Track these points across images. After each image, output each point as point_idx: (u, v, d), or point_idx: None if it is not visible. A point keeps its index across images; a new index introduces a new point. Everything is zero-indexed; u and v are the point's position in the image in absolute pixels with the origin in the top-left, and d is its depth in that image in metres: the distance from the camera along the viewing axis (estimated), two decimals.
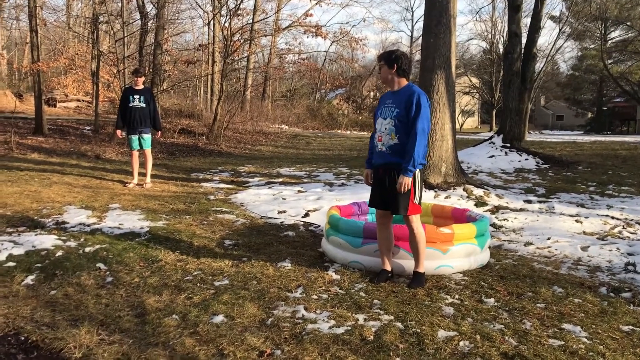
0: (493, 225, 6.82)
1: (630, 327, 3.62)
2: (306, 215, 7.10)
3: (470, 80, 46.12)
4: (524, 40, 15.40)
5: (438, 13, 8.49)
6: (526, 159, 13.18)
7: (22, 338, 3.20)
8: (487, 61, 45.75)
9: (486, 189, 8.66)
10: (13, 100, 21.16)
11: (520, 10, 15.15)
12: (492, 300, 4.06)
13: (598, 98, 49.47)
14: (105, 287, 4.10)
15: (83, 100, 25.85)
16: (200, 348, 3.11)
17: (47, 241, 5.12)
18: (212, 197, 8.20)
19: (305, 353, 3.07)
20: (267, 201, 7.94)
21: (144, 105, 8.77)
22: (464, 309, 3.85)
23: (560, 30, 33.53)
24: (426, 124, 4.22)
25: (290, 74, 39.32)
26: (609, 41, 42.06)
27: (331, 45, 34.24)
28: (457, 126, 35.77)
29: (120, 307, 3.71)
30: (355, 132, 29.60)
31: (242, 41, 19.78)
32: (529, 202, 8.24)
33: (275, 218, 6.95)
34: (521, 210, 7.67)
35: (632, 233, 6.59)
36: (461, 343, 3.27)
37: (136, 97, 8.74)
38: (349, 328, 3.43)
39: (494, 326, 3.55)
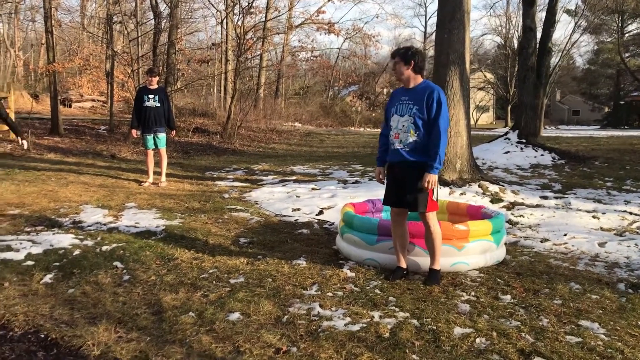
0: (509, 221, 6.78)
1: None
2: (320, 212, 7.10)
3: (485, 76, 45.76)
4: (538, 34, 15.28)
5: (452, 8, 8.44)
6: (542, 155, 13.06)
7: (42, 335, 3.24)
8: (502, 56, 45.37)
9: (502, 185, 8.60)
10: (29, 101, 21.42)
11: (535, 4, 15.02)
12: (508, 297, 4.04)
13: (615, 92, 48.83)
14: (123, 286, 4.14)
15: (98, 100, 26.09)
16: (217, 345, 3.13)
17: (64, 240, 5.17)
18: (226, 196, 8.24)
19: (321, 350, 3.08)
20: (281, 199, 7.95)
21: (158, 104, 8.82)
22: (480, 305, 3.83)
23: (576, 23, 33.17)
24: (447, 121, 4.25)
25: (303, 72, 39.33)
26: (626, 34, 41.51)
27: (344, 42, 34.22)
28: (472, 122, 35.58)
29: (138, 305, 3.74)
30: (368, 129, 29.56)
31: (255, 39, 19.83)
32: (545, 198, 8.17)
33: (289, 216, 6.97)
34: (537, 206, 7.61)
35: None
36: (477, 340, 3.26)
37: (150, 96, 8.80)
38: (365, 325, 3.43)
39: (511, 323, 3.53)
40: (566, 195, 8.42)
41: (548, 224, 6.70)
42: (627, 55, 39.92)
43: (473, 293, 4.10)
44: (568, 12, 36.67)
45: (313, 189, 8.71)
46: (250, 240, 5.57)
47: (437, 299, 3.97)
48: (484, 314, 3.69)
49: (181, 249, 5.10)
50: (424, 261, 4.53)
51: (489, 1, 78.68)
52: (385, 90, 39.86)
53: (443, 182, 8.07)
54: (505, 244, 5.32)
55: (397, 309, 3.73)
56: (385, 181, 4.59)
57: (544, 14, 17.52)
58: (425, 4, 69.45)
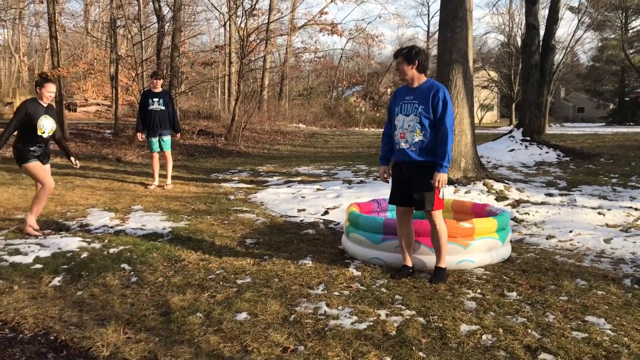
0: (514, 219, 6.78)
1: None
2: (326, 213, 7.12)
3: (489, 74, 45.65)
4: (542, 32, 15.24)
5: (454, 7, 8.45)
6: (547, 152, 13.05)
7: (52, 337, 3.28)
8: (505, 54, 45.24)
9: (506, 183, 8.60)
10: None
11: (538, 1, 15.00)
12: (514, 294, 4.05)
13: (620, 89, 48.61)
14: (130, 287, 4.17)
15: (102, 104, 26.21)
16: (225, 345, 3.16)
17: (72, 243, 5.21)
18: (232, 197, 8.27)
19: (328, 348, 3.10)
20: (286, 200, 7.98)
21: (163, 107, 8.86)
22: (486, 303, 3.85)
23: (579, 20, 33.00)
24: (453, 119, 4.28)
25: (307, 73, 39.38)
26: (630, 30, 41.33)
27: (347, 42, 34.18)
28: (476, 120, 35.46)
29: (146, 306, 3.77)
30: (373, 129, 29.57)
31: (258, 41, 19.87)
32: (550, 195, 8.17)
33: (295, 216, 6.99)
34: (542, 203, 7.61)
35: None
36: (484, 337, 3.27)
37: (155, 99, 8.84)
38: (371, 323, 3.45)
39: (517, 319, 3.55)
40: (571, 192, 8.42)
41: (553, 221, 6.70)
42: (631, 51, 39.75)
43: (479, 290, 4.11)
44: (571, 9, 36.54)
45: (318, 189, 8.73)
46: (257, 241, 5.60)
47: (443, 296, 3.98)
48: (490, 311, 3.70)
49: (188, 251, 5.13)
50: (429, 259, 4.55)
51: None
52: (389, 90, 39.85)
53: (448, 181, 8.03)
54: (511, 241, 5.33)
55: (403, 307, 3.75)
56: (389, 180, 4.61)
57: (547, 11, 17.51)
58: (427, 3, 69.25)
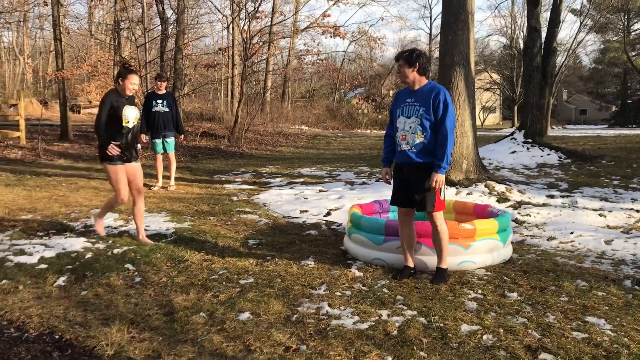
0: (515, 220, 6.81)
1: None
2: (328, 214, 7.16)
3: (491, 76, 45.68)
4: (544, 34, 15.27)
5: (456, 10, 8.48)
6: (548, 154, 13.06)
7: (57, 337, 3.32)
8: (508, 57, 45.31)
9: (508, 185, 8.63)
10: (39, 107, 21.61)
11: (540, 4, 15.03)
12: (515, 294, 4.08)
13: (622, 91, 48.62)
14: (134, 287, 4.21)
15: None
16: (228, 344, 3.19)
17: (76, 244, 5.25)
18: (235, 198, 8.31)
19: (330, 348, 3.13)
20: (289, 201, 8.02)
21: (167, 109, 8.91)
22: (487, 303, 3.88)
23: (581, 23, 33.06)
24: (454, 121, 4.31)
25: (309, 75, 39.40)
26: (632, 33, 41.35)
27: (349, 45, 34.26)
28: (479, 123, 35.48)
29: (149, 306, 3.81)
30: (375, 131, 29.58)
31: (261, 44, 19.91)
32: (552, 197, 8.19)
33: (297, 217, 7.02)
34: (544, 205, 7.63)
35: None
36: (484, 337, 3.30)
37: (159, 101, 8.89)
38: (373, 323, 3.48)
39: (517, 320, 3.57)
40: (573, 194, 8.44)
41: (555, 222, 6.72)
42: (633, 54, 39.76)
43: (480, 291, 4.14)
44: (573, 11, 36.65)
45: (320, 190, 8.76)
46: (259, 242, 5.63)
47: (444, 297, 4.01)
48: (491, 311, 3.73)
49: (191, 251, 5.17)
50: (431, 260, 4.58)
51: (493, 2, 78.54)
52: (391, 92, 39.82)
53: (450, 182, 8.10)
54: (512, 242, 5.36)
55: (405, 307, 3.78)
56: (391, 181, 4.64)
57: (548, 13, 17.52)
58: (430, 6, 69.37)
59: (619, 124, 43.71)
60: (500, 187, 8.31)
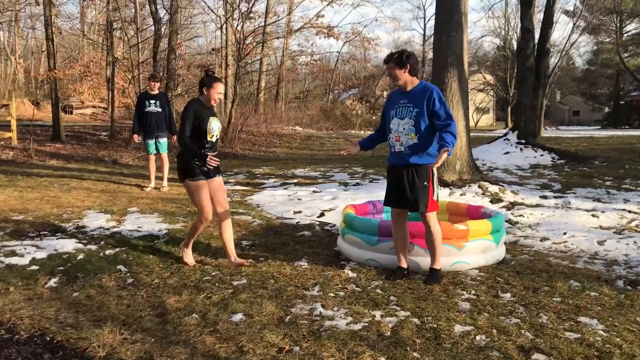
0: (509, 221, 6.82)
1: None
2: (321, 215, 7.15)
3: (485, 77, 45.83)
4: (537, 35, 15.33)
5: (450, 11, 8.50)
6: (542, 155, 13.11)
7: (48, 338, 3.29)
8: (501, 58, 45.44)
9: (501, 186, 8.65)
10: (31, 108, 21.50)
11: (533, 5, 15.09)
12: (508, 295, 4.08)
13: (615, 92, 48.85)
14: (126, 289, 4.18)
15: (99, 107, 26.19)
16: (221, 346, 3.18)
17: (68, 245, 5.22)
18: (228, 199, 8.27)
19: (324, 349, 3.12)
20: (282, 202, 8.00)
21: (159, 109, 8.88)
22: (480, 304, 3.88)
23: (574, 24, 33.24)
24: (450, 110, 4.34)
25: (303, 76, 39.36)
26: (625, 34, 41.55)
27: (343, 45, 34.24)
28: (472, 124, 35.56)
29: (142, 307, 3.79)
30: (369, 132, 29.56)
31: (254, 44, 19.89)
32: (545, 197, 8.21)
33: (291, 218, 7.01)
34: (537, 206, 7.65)
35: None
36: (477, 337, 3.30)
37: (152, 102, 8.85)
38: (366, 324, 3.48)
39: (511, 320, 3.57)
40: (566, 195, 8.47)
41: (548, 223, 6.74)
42: (626, 55, 39.96)
43: (473, 291, 4.14)
44: (566, 12, 36.80)
45: (314, 191, 8.75)
46: (253, 243, 5.62)
47: (437, 297, 4.01)
48: (484, 312, 3.73)
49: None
50: (424, 261, 4.58)
51: (487, 3, 78.88)
52: (385, 93, 39.90)
53: (443, 183, 8.11)
54: (505, 243, 5.37)
55: (398, 308, 3.77)
56: (350, 151, 4.70)
57: (542, 15, 17.58)
58: (423, 7, 69.65)
59: (611, 125, 43.92)
60: (493, 188, 8.33)
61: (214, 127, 4.74)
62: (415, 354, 3.08)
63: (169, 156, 9.17)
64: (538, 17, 21.34)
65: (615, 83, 48.26)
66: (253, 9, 18.36)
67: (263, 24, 21.42)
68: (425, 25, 52.29)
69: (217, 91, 4.68)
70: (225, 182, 10.09)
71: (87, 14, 30.03)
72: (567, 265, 4.94)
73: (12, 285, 4.17)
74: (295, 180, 10.28)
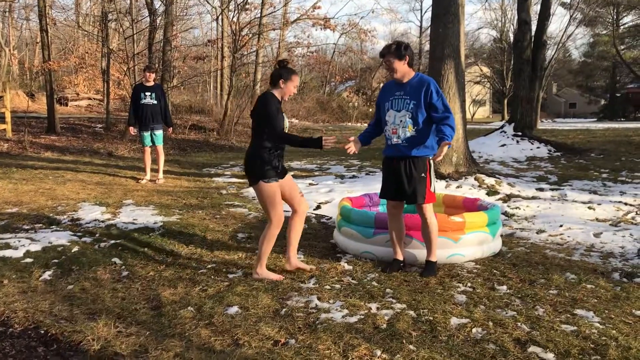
0: (505, 213, 6.81)
1: None
2: (318, 207, 7.13)
3: (481, 70, 45.76)
4: (534, 27, 15.28)
5: (446, 3, 8.45)
6: (538, 147, 13.11)
7: (42, 331, 3.27)
8: (498, 50, 45.35)
9: (498, 178, 8.64)
10: (25, 99, 21.37)
11: None
12: (504, 287, 4.08)
13: (611, 85, 48.87)
14: (121, 281, 4.17)
15: (94, 99, 26.03)
16: (216, 338, 3.16)
17: (63, 237, 5.20)
18: (224, 192, 8.26)
19: (319, 342, 3.11)
20: None
21: (155, 101, 8.83)
22: (476, 296, 3.87)
23: (571, 16, 33.14)
24: (447, 102, 4.34)
25: (300, 67, 39.25)
26: (621, 27, 41.48)
27: (340, 37, 34.11)
28: (469, 116, 35.52)
29: (137, 300, 3.77)
30: (365, 124, 29.55)
31: (250, 35, 19.79)
32: (541, 190, 8.22)
33: (287, 211, 6.96)
34: (533, 198, 7.65)
35: None
36: (474, 330, 3.30)
37: (147, 94, 8.80)
38: (362, 317, 3.47)
39: (507, 313, 3.57)
40: (562, 187, 8.47)
41: (544, 215, 6.74)
42: (622, 47, 39.89)
43: (469, 284, 4.14)
44: (563, 4, 36.66)
45: (310, 184, 8.73)
46: (248, 235, 5.60)
47: (433, 290, 4.01)
48: (480, 304, 3.72)
49: (179, 245, 5.13)
50: (420, 253, 4.57)
51: None
52: (381, 85, 39.84)
53: (439, 176, 8.10)
54: (501, 235, 5.36)
55: (394, 301, 3.76)
56: (352, 148, 4.48)
57: (538, 7, 17.53)
58: None
59: (607, 117, 43.95)
60: (490, 180, 8.33)
61: (287, 123, 4.36)
62: (411, 346, 3.07)
63: (165, 148, 9.14)
64: (535, 9, 21.28)
65: (612, 75, 48.27)
66: (249, 0, 18.25)
67: (259, 15, 21.29)
68: (422, 17, 52.10)
69: (295, 84, 4.30)
70: (221, 175, 10.08)
71: (82, 5, 29.85)
72: (563, 258, 4.94)
73: (6, 278, 4.14)
74: (291, 173, 10.21)
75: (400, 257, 4.54)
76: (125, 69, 17.04)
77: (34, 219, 6.01)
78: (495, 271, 4.48)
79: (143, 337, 3.18)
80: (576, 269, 4.54)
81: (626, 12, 40.10)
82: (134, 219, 6.10)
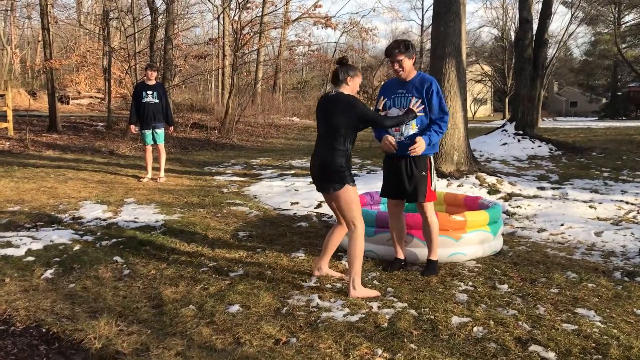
0: (506, 212, 6.81)
1: None
2: (319, 206, 7.13)
3: (482, 68, 45.67)
4: (535, 26, 15.25)
5: (448, 1, 8.44)
6: (539, 146, 13.09)
7: (44, 330, 3.28)
8: (499, 48, 45.29)
9: (499, 177, 8.63)
10: (27, 98, 21.39)
11: None
12: (505, 286, 4.07)
13: (612, 83, 48.85)
14: (123, 280, 4.17)
15: (95, 97, 26.04)
16: (217, 337, 3.17)
17: (64, 236, 5.20)
18: (225, 190, 8.26)
19: (321, 340, 3.11)
20: (279, 193, 7.98)
21: (156, 100, 8.83)
22: (477, 295, 3.87)
23: (572, 15, 33.10)
24: (447, 109, 4.37)
25: (301, 66, 39.23)
26: (623, 25, 41.44)
27: (341, 36, 34.02)
28: (470, 115, 35.53)
29: (138, 298, 3.77)
30: None
31: (251, 34, 19.78)
32: (542, 188, 8.21)
33: (288, 209, 6.99)
34: (534, 197, 7.65)
35: None
36: (475, 329, 3.30)
37: (149, 92, 8.80)
38: (363, 316, 3.47)
39: (508, 312, 3.57)
40: (563, 186, 8.46)
41: (545, 214, 6.74)
42: (624, 46, 39.86)
43: (470, 283, 4.14)
44: (564, 3, 36.61)
45: (311, 182, 8.72)
46: (250, 234, 5.60)
47: (434, 289, 4.01)
48: (482, 303, 3.72)
49: (181, 243, 5.13)
50: (421, 252, 4.57)
51: None
52: (382, 83, 39.79)
53: (441, 174, 8.10)
54: (503, 234, 5.36)
55: (395, 300, 3.76)
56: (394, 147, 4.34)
57: (540, 5, 17.51)
58: None
59: (609, 116, 43.95)
60: (491, 179, 8.32)
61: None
62: (412, 345, 3.07)
63: (166, 147, 9.14)
64: (536, 7, 21.29)
65: (613, 74, 48.24)
66: None
67: (260, 13, 21.28)
68: (423, 15, 52.15)
69: (360, 81, 4.13)
70: (222, 174, 10.09)
71: (84, 3, 29.86)
72: (564, 257, 4.94)
73: (7, 276, 4.15)
74: (292, 171, 10.25)
75: (401, 256, 4.54)
76: (126, 68, 17.04)
77: (35, 218, 6.02)
78: (496, 270, 4.48)
79: (144, 335, 3.18)
80: (577, 268, 4.54)
81: (628, 11, 40.06)
82: (135, 218, 6.10)
